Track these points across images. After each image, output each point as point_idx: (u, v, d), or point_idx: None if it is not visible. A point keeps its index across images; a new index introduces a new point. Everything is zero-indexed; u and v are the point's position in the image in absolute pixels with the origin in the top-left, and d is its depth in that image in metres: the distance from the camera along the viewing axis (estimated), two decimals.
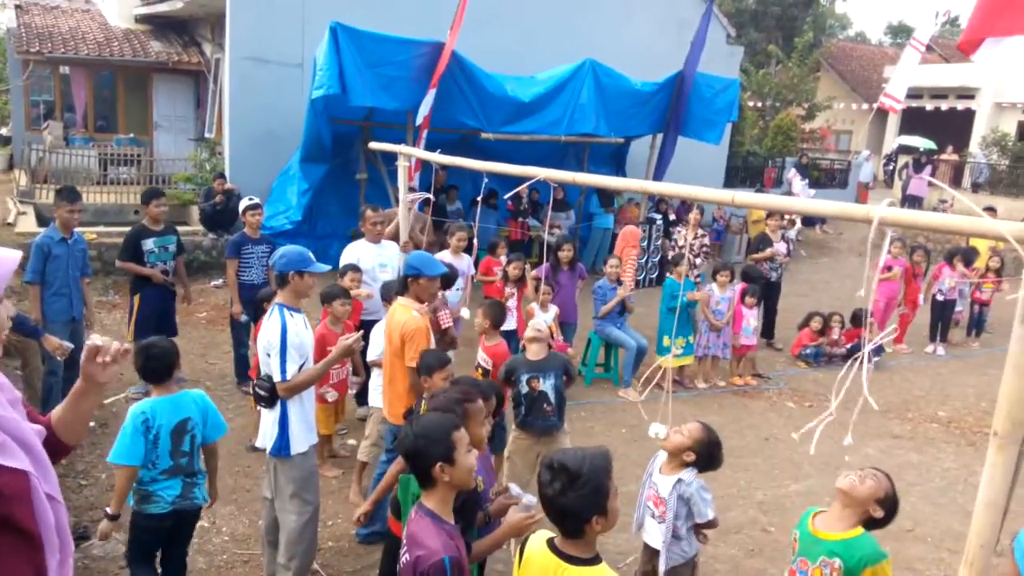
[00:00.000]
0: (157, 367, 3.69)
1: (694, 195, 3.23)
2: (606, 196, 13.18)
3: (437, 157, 5.73)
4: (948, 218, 2.41)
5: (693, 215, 9.73)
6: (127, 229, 11.28)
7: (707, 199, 3.20)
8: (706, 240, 10.37)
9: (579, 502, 2.21)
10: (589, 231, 13.23)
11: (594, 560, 2.28)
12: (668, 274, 9.15)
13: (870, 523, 2.97)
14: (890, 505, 2.96)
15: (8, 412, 1.81)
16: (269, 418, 4.00)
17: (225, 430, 3.92)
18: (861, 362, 2.51)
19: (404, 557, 2.50)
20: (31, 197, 12.37)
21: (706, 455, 3.60)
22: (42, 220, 11.13)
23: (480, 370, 5.37)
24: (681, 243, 9.00)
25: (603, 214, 13.26)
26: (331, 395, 5.58)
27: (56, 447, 2.01)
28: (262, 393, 3.99)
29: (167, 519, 3.66)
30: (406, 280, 4.60)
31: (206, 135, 15.03)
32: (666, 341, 7.93)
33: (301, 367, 3.91)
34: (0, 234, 10.47)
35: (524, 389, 4.73)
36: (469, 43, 9.95)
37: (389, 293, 5.36)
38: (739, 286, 8.69)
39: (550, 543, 2.35)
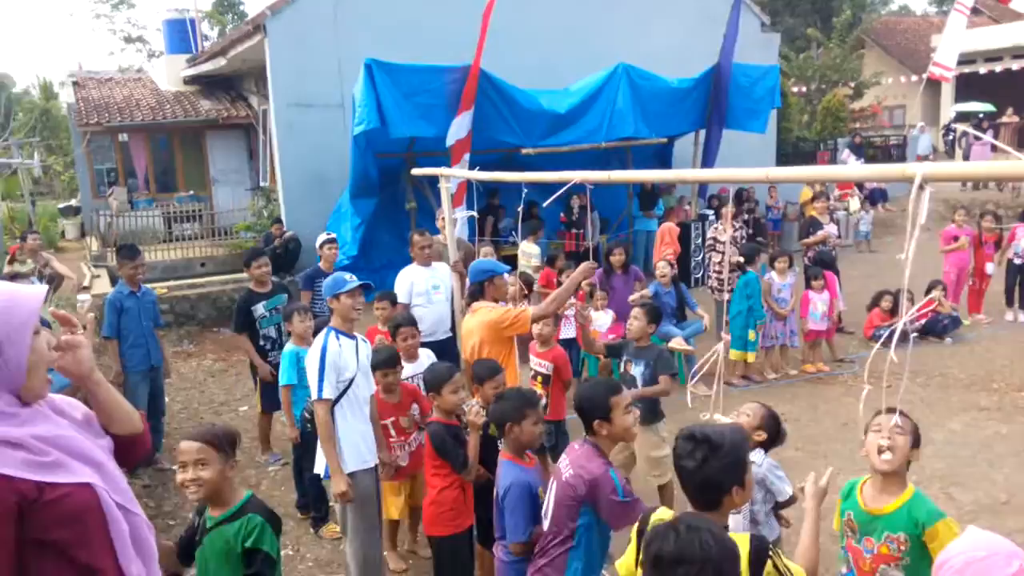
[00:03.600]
0: None
1: (727, 177, 3.21)
2: (646, 200, 13.03)
3: (473, 174, 5.84)
4: (993, 165, 2.35)
5: (725, 209, 9.46)
6: (196, 281, 11.95)
7: (740, 179, 3.18)
8: (743, 232, 10.15)
9: (721, 472, 2.25)
10: (628, 235, 13.11)
11: (725, 529, 2.30)
12: (715, 271, 9.04)
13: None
14: (917, 437, 2.84)
15: (64, 431, 1.89)
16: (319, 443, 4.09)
17: None
18: (895, 335, 2.44)
19: (565, 475, 2.95)
20: (103, 261, 12.97)
21: (773, 432, 3.55)
22: (115, 282, 11.64)
23: (540, 377, 5.35)
24: (722, 237, 8.78)
25: (643, 218, 13.04)
26: (400, 459, 4.57)
27: (122, 446, 2.08)
28: (308, 417, 4.08)
29: None
30: (481, 286, 4.83)
31: (261, 184, 15.54)
32: (751, 335, 7.87)
33: (345, 390, 3.98)
34: (77, 298, 10.98)
35: (620, 370, 5.07)
36: (500, 62, 10.09)
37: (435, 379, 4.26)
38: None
39: None
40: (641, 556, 1.87)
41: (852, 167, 2.49)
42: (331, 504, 5.22)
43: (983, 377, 7.89)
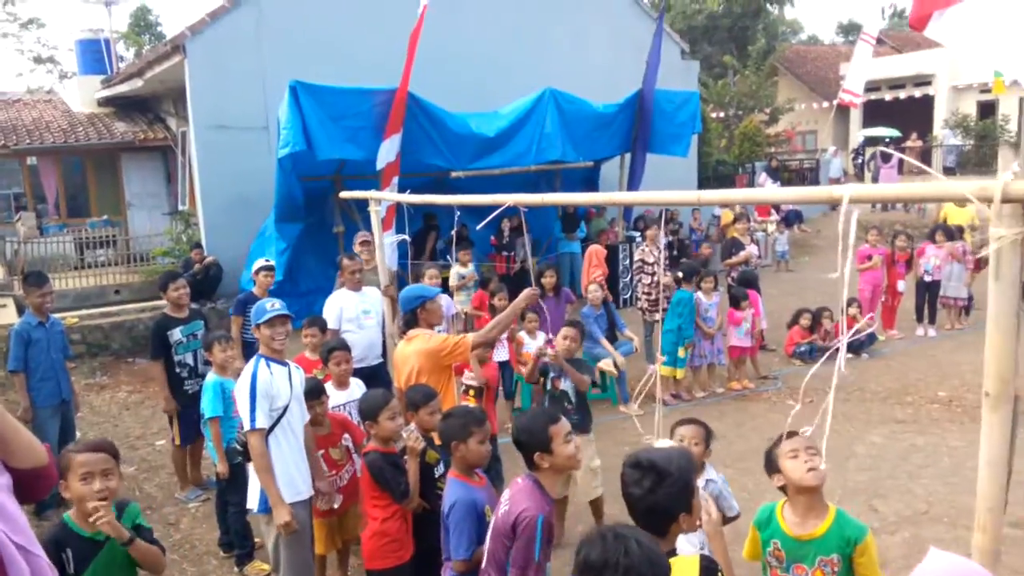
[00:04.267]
0: None
1: (659, 200, 3.24)
2: (568, 223, 13.15)
3: (404, 197, 5.78)
4: (914, 186, 2.42)
5: (651, 231, 9.55)
6: (109, 309, 11.42)
7: (674, 202, 3.22)
8: (665, 254, 10.36)
9: (669, 499, 2.23)
10: (556, 257, 13.21)
11: (672, 553, 2.31)
12: (644, 293, 9.17)
13: None
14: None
15: None
16: (253, 475, 3.92)
17: None
18: (837, 351, 2.49)
19: (502, 509, 2.87)
20: (9, 290, 12.26)
21: (708, 438, 3.59)
22: (22, 312, 11.02)
23: (472, 391, 5.19)
24: (650, 259, 8.90)
25: (565, 240, 13.08)
26: (335, 501, 4.35)
27: (26, 481, 1.93)
28: (239, 448, 3.94)
29: None
30: (414, 313, 4.67)
31: (180, 208, 15.05)
32: (680, 352, 8.00)
33: (279, 418, 3.85)
34: None
35: (548, 387, 5.19)
36: (428, 85, 10.07)
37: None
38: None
39: None
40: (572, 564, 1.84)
41: (782, 189, 2.55)
42: (256, 540, 5.01)
43: (898, 390, 8.21)
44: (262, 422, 3.77)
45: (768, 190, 2.94)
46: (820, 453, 2.82)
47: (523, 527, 2.74)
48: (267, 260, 7.30)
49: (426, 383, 4.39)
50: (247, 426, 3.79)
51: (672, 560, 2.27)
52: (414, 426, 3.83)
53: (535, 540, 2.72)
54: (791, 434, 2.87)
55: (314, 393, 4.30)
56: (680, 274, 8.36)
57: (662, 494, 2.22)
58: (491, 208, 4.16)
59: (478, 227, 4.53)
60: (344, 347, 5.03)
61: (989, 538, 2.31)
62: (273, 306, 3.96)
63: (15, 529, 1.79)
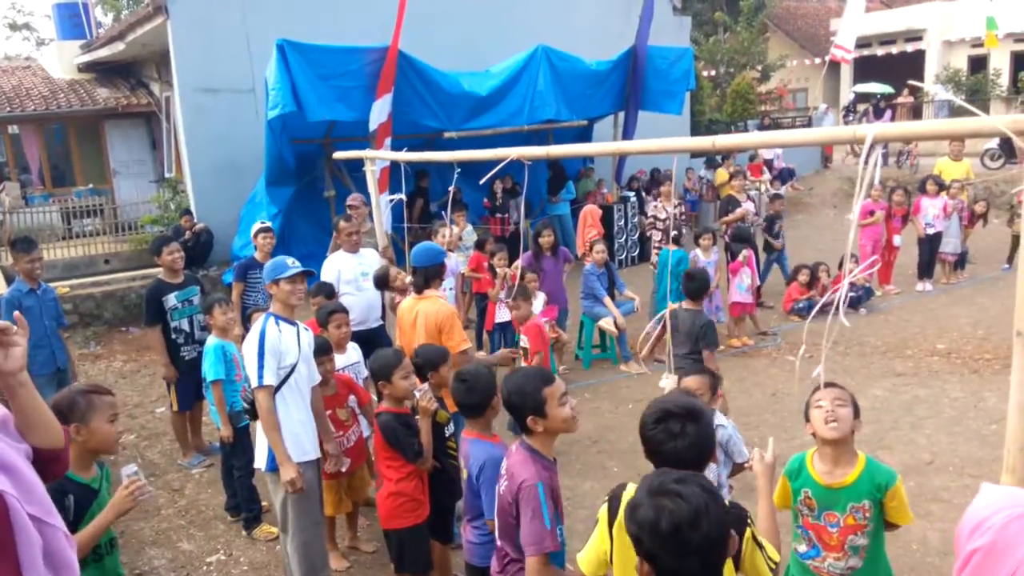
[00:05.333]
0: None
1: (673, 147, 3.15)
2: (554, 184, 12.98)
3: (401, 155, 5.67)
4: (942, 123, 2.36)
5: (665, 187, 9.69)
6: (100, 279, 11.26)
7: (687, 148, 3.13)
8: (682, 209, 10.36)
9: (709, 440, 2.20)
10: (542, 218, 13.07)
11: None
12: (656, 248, 9.16)
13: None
14: (857, 408, 2.87)
15: None
16: (261, 434, 3.85)
17: None
18: (835, 301, 2.44)
19: (503, 484, 2.79)
20: None
21: (714, 387, 3.57)
22: (11, 282, 10.87)
23: (523, 351, 5.60)
24: (662, 215, 8.95)
25: (553, 204, 12.87)
26: (343, 464, 4.28)
27: (38, 461, 1.88)
28: (247, 407, 3.88)
29: None
30: (435, 269, 4.60)
31: (166, 175, 14.80)
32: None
33: (286, 377, 3.78)
34: None
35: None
36: (419, 43, 9.86)
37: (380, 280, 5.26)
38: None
39: None
40: (648, 545, 1.67)
41: (802, 131, 2.49)
42: (264, 503, 4.98)
43: (897, 344, 8.22)
44: (270, 379, 3.70)
45: (788, 132, 2.86)
46: (849, 404, 2.79)
47: (525, 499, 2.65)
48: (264, 222, 7.16)
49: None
50: (254, 382, 3.72)
51: None
52: (427, 386, 3.77)
53: (541, 509, 2.63)
54: (829, 385, 2.84)
55: (323, 350, 4.24)
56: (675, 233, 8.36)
57: (704, 433, 2.18)
58: (486, 169, 4.08)
59: (481, 182, 4.42)
60: (343, 310, 4.96)
61: (1018, 479, 2.29)
62: (294, 263, 3.89)
63: (30, 499, 1.74)
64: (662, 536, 1.63)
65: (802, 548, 2.97)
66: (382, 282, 5.65)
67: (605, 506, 2.43)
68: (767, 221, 10.37)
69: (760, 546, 2.22)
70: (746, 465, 3.52)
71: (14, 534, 1.67)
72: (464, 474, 3.35)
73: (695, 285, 5.75)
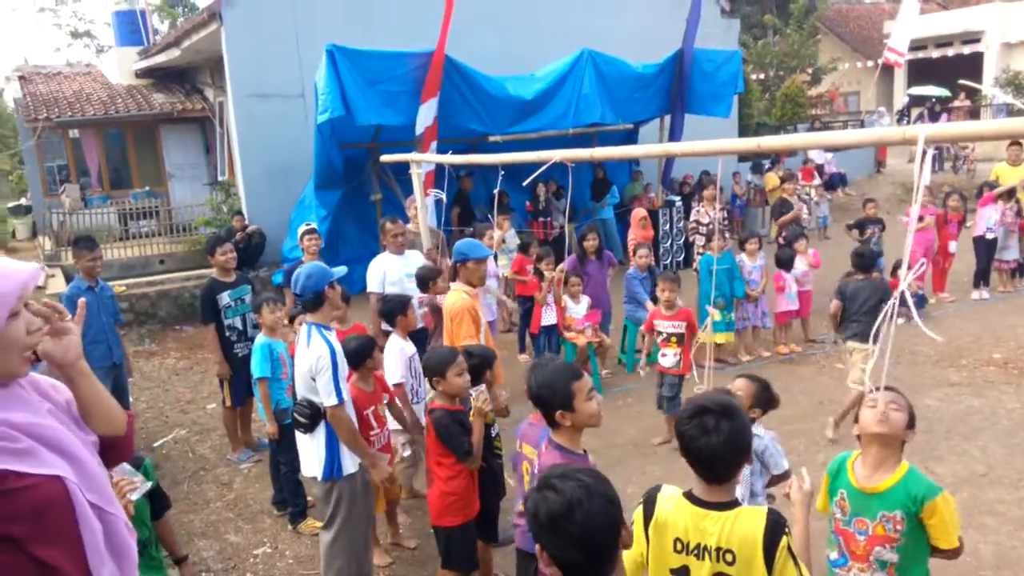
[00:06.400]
0: None
1: (717, 148, 3.14)
2: (597, 190, 12.97)
3: (446, 158, 5.74)
4: (995, 123, 2.30)
5: (708, 191, 9.59)
6: (155, 278, 11.60)
7: (731, 149, 3.11)
8: (724, 213, 10.24)
9: (746, 437, 2.20)
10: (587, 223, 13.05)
11: (736, 503, 2.24)
12: (699, 253, 9.08)
13: None
14: (913, 418, 2.76)
15: (44, 419, 1.75)
16: (312, 444, 3.85)
17: None
18: (894, 309, 2.39)
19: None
20: (57, 260, 12.52)
21: (764, 401, 3.52)
22: (70, 280, 11.27)
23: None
24: (705, 220, 8.89)
25: (598, 208, 12.89)
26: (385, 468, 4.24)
27: (102, 443, 1.95)
28: (302, 420, 3.81)
29: None
30: (455, 267, 4.81)
31: (219, 178, 15.16)
32: (714, 315, 7.87)
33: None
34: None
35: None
36: (465, 49, 9.94)
37: (388, 308, 5.11)
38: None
39: (689, 496, 2.28)
40: (535, 534, 1.81)
41: (850, 132, 2.45)
42: (309, 498, 5.07)
43: (951, 353, 8.00)
44: (345, 395, 3.73)
45: (835, 133, 2.82)
46: (904, 410, 2.73)
47: None
48: (309, 224, 7.27)
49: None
50: (331, 400, 3.67)
51: (738, 510, 2.22)
52: (483, 387, 3.80)
53: None
54: (888, 389, 2.77)
55: (368, 350, 4.29)
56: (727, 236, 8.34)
57: (739, 432, 2.17)
58: (530, 172, 4.11)
59: (524, 183, 4.44)
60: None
61: None
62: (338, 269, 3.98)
63: (90, 486, 1.80)
64: (541, 526, 1.75)
65: (833, 555, 2.89)
66: (424, 281, 5.73)
67: (640, 508, 2.43)
68: (858, 225, 10.13)
69: (795, 559, 2.18)
70: (784, 491, 3.48)
71: (76, 521, 1.73)
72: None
73: (865, 260, 6.77)
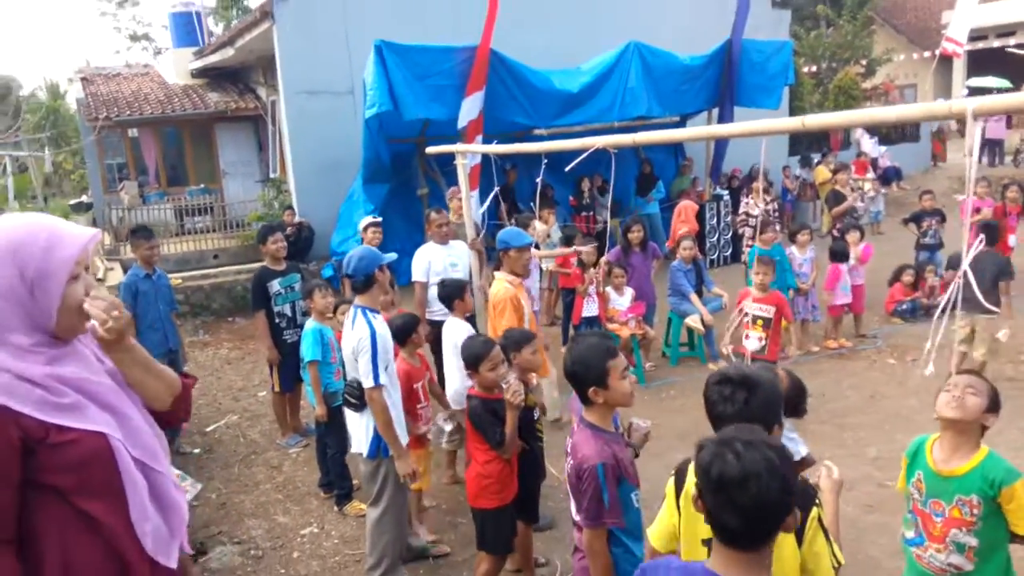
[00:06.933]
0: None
1: (761, 128, 3.10)
2: (644, 184, 12.86)
3: (490, 148, 5.79)
4: None
5: (756, 183, 9.49)
6: (209, 271, 11.92)
7: (776, 129, 3.07)
8: (775, 206, 10.09)
9: (763, 411, 2.18)
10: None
11: None
12: (747, 245, 8.97)
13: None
14: (996, 403, 2.74)
15: (96, 376, 1.82)
16: (361, 423, 3.96)
17: None
18: (949, 304, 2.36)
19: (568, 464, 2.85)
20: (116, 254, 12.96)
21: (794, 400, 3.47)
22: (127, 272, 11.65)
23: (760, 321, 6.17)
24: (754, 212, 8.80)
25: (644, 203, 12.79)
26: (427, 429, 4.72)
27: (158, 418, 2.02)
28: (352, 400, 3.93)
29: None
30: (500, 255, 4.87)
31: (271, 175, 15.50)
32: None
33: (386, 369, 3.90)
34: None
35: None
36: (512, 45, 9.97)
37: (446, 292, 5.21)
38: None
39: None
40: (699, 483, 1.72)
41: (892, 108, 2.41)
42: (355, 481, 5.18)
43: (1010, 348, 7.72)
44: (384, 379, 3.81)
45: (880, 110, 2.77)
46: (983, 395, 2.71)
47: (585, 478, 2.69)
48: (374, 217, 7.36)
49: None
50: (369, 382, 3.76)
51: None
52: (513, 379, 3.81)
53: (601, 489, 2.66)
54: (971, 373, 2.81)
55: (413, 327, 4.53)
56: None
57: (756, 405, 2.17)
58: (575, 169, 4.12)
59: (567, 168, 4.44)
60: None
61: None
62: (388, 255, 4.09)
63: (137, 443, 1.86)
64: (709, 483, 1.67)
65: (909, 534, 2.91)
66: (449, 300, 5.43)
67: (672, 480, 2.46)
68: (914, 218, 9.92)
69: (826, 532, 2.17)
70: (812, 480, 3.43)
71: (120, 475, 1.80)
72: None
73: (995, 233, 7.08)
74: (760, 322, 6.12)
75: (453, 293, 5.08)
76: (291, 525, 5.06)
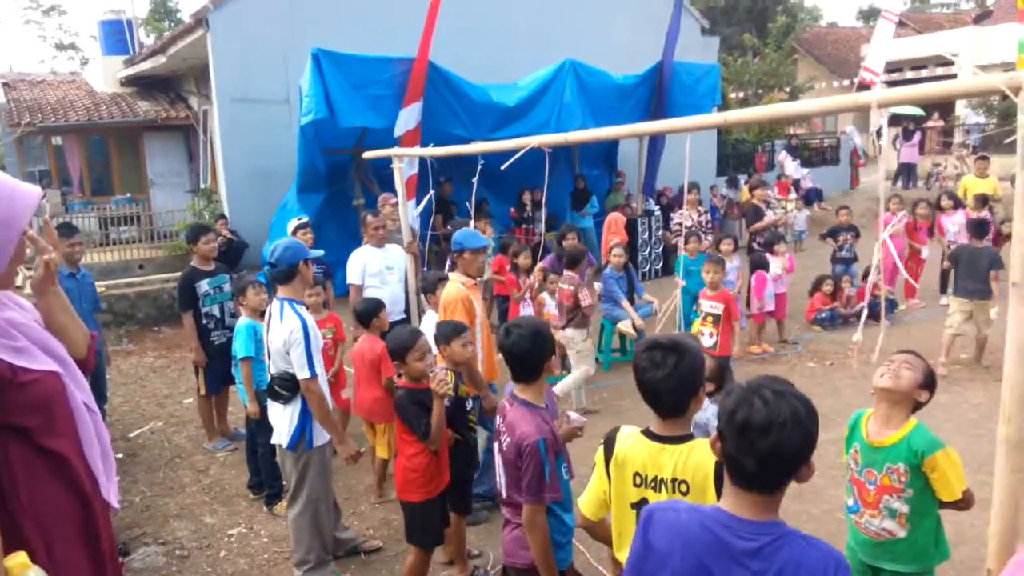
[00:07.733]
0: None
1: (683, 125, 3.27)
2: (578, 199, 13.17)
3: (427, 151, 5.84)
4: (945, 85, 2.44)
5: (691, 195, 9.81)
6: (134, 280, 11.59)
7: (699, 125, 3.24)
8: (707, 218, 10.42)
9: (692, 375, 2.28)
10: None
11: (690, 436, 2.35)
12: (678, 253, 9.25)
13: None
14: (931, 382, 2.93)
15: (29, 322, 1.88)
16: (286, 414, 3.94)
17: None
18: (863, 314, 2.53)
19: (505, 441, 2.90)
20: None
21: (719, 380, 3.62)
22: None
23: (710, 318, 6.58)
24: (688, 223, 9.08)
25: (579, 217, 13.08)
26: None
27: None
28: (283, 392, 3.90)
29: None
30: (455, 257, 4.89)
31: (202, 185, 15.20)
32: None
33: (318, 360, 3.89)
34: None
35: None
36: (450, 57, 10.09)
37: (362, 310, 5.30)
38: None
39: (646, 433, 2.38)
40: (720, 426, 1.73)
41: (808, 102, 2.57)
42: (285, 482, 5.10)
43: (924, 355, 8.17)
44: (319, 368, 3.81)
45: (793, 104, 2.95)
46: (918, 371, 2.90)
47: (527, 455, 2.75)
48: (301, 218, 7.32)
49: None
50: (305, 374, 3.76)
51: (692, 443, 2.33)
52: (440, 369, 3.83)
53: (542, 464, 2.73)
54: (909, 352, 3.00)
55: (376, 310, 5.07)
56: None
57: (685, 369, 2.26)
58: (512, 181, 4.22)
59: (503, 167, 4.52)
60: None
61: (1014, 428, 2.34)
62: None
63: (79, 386, 1.94)
64: (732, 424, 1.68)
65: (849, 502, 3.09)
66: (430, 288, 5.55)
67: (601, 448, 2.54)
68: (831, 233, 10.38)
69: None
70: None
71: (73, 414, 1.86)
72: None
73: (983, 229, 7.97)
74: (710, 318, 6.50)
75: (369, 312, 5.12)
76: (218, 526, 4.96)
